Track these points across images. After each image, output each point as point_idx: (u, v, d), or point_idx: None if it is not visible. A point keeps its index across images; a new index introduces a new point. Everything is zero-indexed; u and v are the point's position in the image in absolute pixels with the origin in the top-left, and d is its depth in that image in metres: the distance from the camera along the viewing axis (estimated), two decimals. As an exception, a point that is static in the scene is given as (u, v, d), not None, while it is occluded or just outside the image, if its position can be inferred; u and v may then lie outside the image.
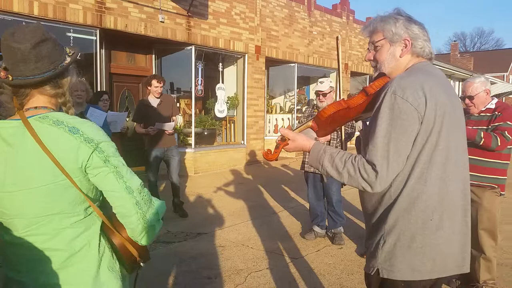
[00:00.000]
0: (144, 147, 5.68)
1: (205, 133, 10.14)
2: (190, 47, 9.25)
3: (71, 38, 7.37)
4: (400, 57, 1.65)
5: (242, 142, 10.87)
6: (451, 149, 1.49)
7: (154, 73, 8.92)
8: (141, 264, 1.43)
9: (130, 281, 1.52)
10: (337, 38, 3.88)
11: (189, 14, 8.89)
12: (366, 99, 1.69)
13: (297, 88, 12.85)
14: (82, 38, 7.48)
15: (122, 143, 5.36)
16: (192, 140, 9.58)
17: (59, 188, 1.26)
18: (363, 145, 1.60)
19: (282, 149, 1.77)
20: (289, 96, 13.21)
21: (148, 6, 8.19)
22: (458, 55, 32.64)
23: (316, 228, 4.90)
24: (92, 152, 1.27)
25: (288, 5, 11.88)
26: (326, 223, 4.91)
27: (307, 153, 1.73)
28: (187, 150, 9.37)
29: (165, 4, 8.45)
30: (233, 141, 11.04)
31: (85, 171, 1.28)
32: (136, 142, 7.28)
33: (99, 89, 7.50)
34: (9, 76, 1.28)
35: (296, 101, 12.87)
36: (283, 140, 1.75)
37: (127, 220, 1.33)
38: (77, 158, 1.25)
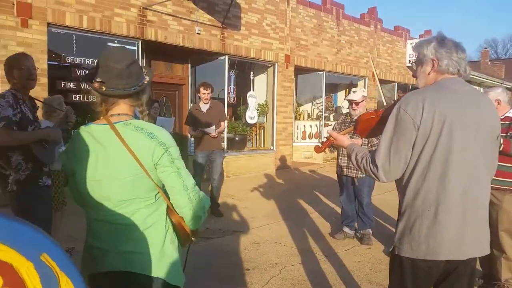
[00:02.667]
0: (185, 152, 6.15)
1: (237, 139, 10.56)
2: (224, 56, 9.72)
3: (115, 49, 7.93)
4: (428, 74, 2.00)
5: (272, 148, 11.23)
6: (454, 151, 1.81)
7: (190, 81, 9.44)
8: (193, 239, 1.81)
9: (183, 254, 1.87)
10: (371, 58, 4.23)
11: (223, 26, 9.37)
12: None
13: (325, 96, 13.14)
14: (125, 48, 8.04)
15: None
16: (224, 145, 10.01)
17: (139, 179, 1.62)
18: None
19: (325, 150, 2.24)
20: (317, 103, 13.51)
21: (185, 19, 8.71)
22: (489, 63, 32.09)
23: (346, 229, 5.19)
24: (163, 154, 1.63)
25: (317, 15, 12.22)
26: (356, 225, 5.20)
27: (341, 157, 2.16)
28: (219, 154, 9.80)
29: (201, 16, 8.95)
30: (263, 146, 11.42)
31: (156, 167, 1.64)
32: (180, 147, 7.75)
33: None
34: (103, 87, 1.66)
35: (324, 108, 13.15)
36: (328, 138, 2.30)
37: (180, 210, 1.70)
38: (152, 157, 1.62)
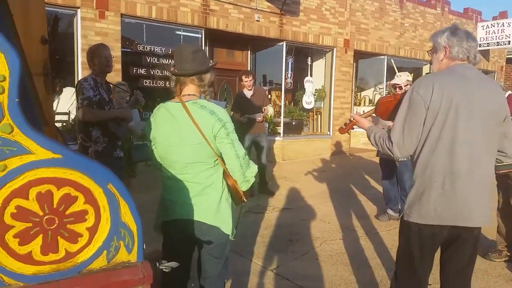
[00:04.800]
0: (239, 134, 6.59)
1: (293, 123, 10.87)
2: (282, 43, 10.02)
3: (181, 37, 8.56)
4: (441, 60, 2.22)
5: (328, 133, 11.41)
6: (460, 129, 2.02)
7: (249, 67, 9.87)
8: (244, 199, 2.21)
9: (237, 213, 2.29)
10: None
11: (281, 12, 9.65)
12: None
13: (387, 81, 12.97)
14: (189, 36, 8.65)
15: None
16: (281, 129, 10.37)
17: (201, 146, 2.06)
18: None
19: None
20: (379, 88, 13.37)
21: (245, 7, 9.11)
22: None
23: (390, 211, 5.37)
24: (221, 127, 2.04)
25: (379, -1, 12.06)
26: (399, 207, 5.36)
27: None
28: (276, 138, 10.18)
29: (260, 4, 9.30)
30: (319, 131, 11.63)
31: (215, 138, 2.06)
32: (239, 130, 8.26)
33: (202, 81, 8.63)
34: (175, 70, 2.13)
35: (386, 93, 12.99)
36: (351, 120, 2.62)
37: (233, 174, 2.13)
38: (212, 129, 2.04)
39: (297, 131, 11.01)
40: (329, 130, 11.42)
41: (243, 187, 2.17)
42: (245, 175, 2.14)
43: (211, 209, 2.11)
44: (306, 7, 10.26)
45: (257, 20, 9.25)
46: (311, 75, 11.19)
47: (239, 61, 10.12)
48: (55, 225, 1.27)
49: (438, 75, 2.15)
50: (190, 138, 2.05)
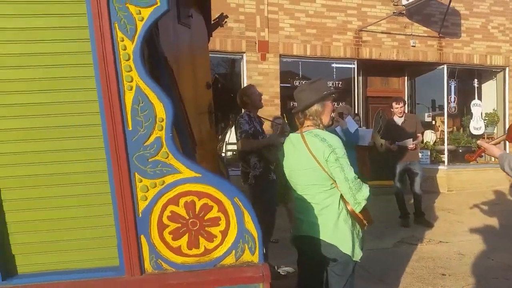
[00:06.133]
0: (393, 163, 6.47)
1: (460, 151, 10.01)
2: (442, 66, 9.50)
3: (334, 69, 8.96)
4: None
5: (504, 161, 10.10)
6: None
7: (406, 93, 9.63)
8: (365, 223, 2.35)
9: (358, 235, 2.43)
10: None
11: (440, 35, 9.21)
12: None
13: None
14: (342, 67, 8.99)
15: (370, 156, 6.31)
16: (445, 157, 9.68)
17: (315, 170, 2.31)
18: None
19: None
20: None
21: (400, 34, 9.02)
22: None
23: None
24: (330, 153, 2.26)
25: None
26: None
27: None
28: (440, 167, 9.53)
29: (416, 29, 9.08)
30: (492, 160, 10.39)
31: (327, 162, 2.28)
32: (387, 158, 8.11)
33: (356, 111, 8.79)
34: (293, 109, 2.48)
35: None
36: (479, 148, 2.45)
37: (344, 196, 2.31)
38: (323, 154, 2.28)
39: (465, 159, 10.06)
40: (504, 158, 10.11)
41: (356, 209, 2.30)
42: (356, 197, 2.26)
43: (329, 228, 2.32)
44: (468, 27, 9.56)
45: (412, 46, 9.04)
46: (479, 98, 10.21)
47: (395, 88, 9.95)
48: (197, 227, 1.69)
49: None
50: (306, 163, 2.33)
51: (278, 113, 7.82)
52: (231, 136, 8.76)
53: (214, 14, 3.61)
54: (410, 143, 6.12)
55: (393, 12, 8.83)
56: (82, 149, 1.60)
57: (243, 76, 8.39)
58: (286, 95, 8.70)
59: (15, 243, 1.67)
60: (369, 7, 8.87)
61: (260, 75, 8.33)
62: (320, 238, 2.33)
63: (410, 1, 8.34)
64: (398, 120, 6.32)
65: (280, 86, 8.47)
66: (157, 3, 1.46)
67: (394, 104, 6.28)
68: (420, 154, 7.00)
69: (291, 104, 8.74)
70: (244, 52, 8.26)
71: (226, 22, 3.76)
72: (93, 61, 1.50)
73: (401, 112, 6.27)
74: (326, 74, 8.91)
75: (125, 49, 1.48)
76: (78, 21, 1.49)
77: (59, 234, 1.66)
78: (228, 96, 7.88)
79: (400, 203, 6.36)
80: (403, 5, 8.64)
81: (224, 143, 8.66)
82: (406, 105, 8.82)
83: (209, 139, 3.46)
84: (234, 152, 8.87)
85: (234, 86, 8.59)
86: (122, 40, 1.47)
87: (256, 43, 8.27)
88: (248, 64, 8.30)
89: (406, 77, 9.91)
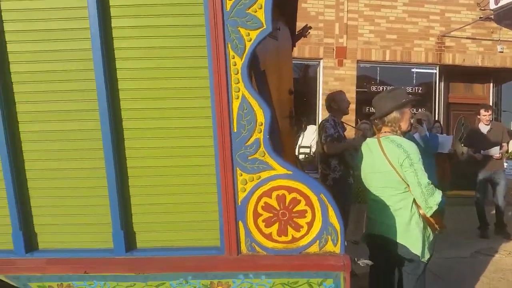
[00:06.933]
0: (475, 172, 6.25)
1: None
2: (533, 72, 8.92)
3: (414, 74, 8.81)
4: None
5: None
6: None
7: (491, 100, 9.18)
8: (437, 228, 2.47)
9: (428, 238, 2.53)
10: None
11: (533, 39, 8.66)
12: None
13: None
14: (423, 72, 8.82)
15: (451, 164, 6.16)
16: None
17: (389, 173, 2.45)
18: None
19: None
20: None
21: (486, 39, 8.63)
22: None
23: None
24: (405, 158, 2.39)
25: None
26: None
27: None
28: (526, 178, 8.94)
29: (504, 34, 8.62)
30: None
31: (401, 167, 2.42)
32: (467, 166, 7.81)
33: (437, 117, 8.58)
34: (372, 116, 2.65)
35: None
36: None
37: (416, 200, 2.43)
38: (398, 159, 2.41)
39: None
40: None
41: (427, 213, 2.40)
42: (427, 202, 2.37)
43: (400, 229, 2.45)
44: None
45: (500, 52, 8.59)
46: None
47: (479, 94, 9.50)
48: (286, 217, 1.95)
49: None
50: (380, 166, 2.48)
51: (353, 118, 7.90)
52: (303, 139, 8.95)
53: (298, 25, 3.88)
54: (496, 152, 5.88)
55: (480, 17, 8.48)
56: (196, 146, 1.93)
57: (319, 82, 8.57)
58: (363, 100, 8.73)
59: (138, 222, 2.05)
60: (453, 13, 8.60)
61: (336, 81, 8.45)
62: (392, 238, 2.48)
63: (499, 5, 7.96)
64: (484, 128, 6.10)
65: (356, 91, 8.52)
66: (263, 26, 1.75)
67: (482, 111, 6.06)
68: (505, 164, 6.68)
69: (367, 109, 8.75)
70: (321, 58, 8.43)
71: (309, 33, 3.99)
72: (208, 74, 1.83)
73: (488, 120, 6.05)
74: (406, 79, 8.79)
75: (235, 65, 1.78)
76: (198, 41, 1.83)
77: (173, 216, 2.01)
78: (301, 101, 8.10)
79: (480, 213, 6.13)
80: (491, 10, 8.27)
81: (297, 147, 8.89)
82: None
83: (289, 142, 3.73)
84: (307, 155, 9.05)
85: (309, 91, 8.79)
86: (233, 58, 1.78)
87: (334, 49, 8.41)
88: (325, 69, 8.46)
89: (491, 84, 9.41)
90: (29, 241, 2.02)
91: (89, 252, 2.01)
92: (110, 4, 1.85)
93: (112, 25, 1.86)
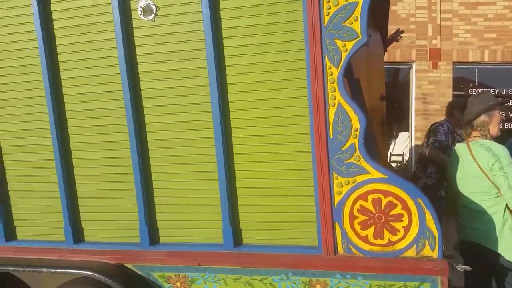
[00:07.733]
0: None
1: None
2: None
3: (517, 75, 8.12)
4: None
5: None
6: None
7: None
8: None
9: None
10: None
11: None
12: None
13: None
14: (529, 74, 8.08)
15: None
16: None
17: (480, 178, 2.40)
18: None
19: None
20: None
21: None
22: None
23: None
24: (495, 161, 2.33)
25: None
26: None
27: None
28: None
29: None
30: None
31: (491, 171, 2.34)
32: None
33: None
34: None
35: None
36: None
37: (507, 203, 2.34)
38: (488, 163, 2.35)
39: None
40: None
41: None
42: None
43: (493, 236, 2.36)
44: None
45: None
46: None
47: None
48: (382, 220, 2.00)
49: None
50: (470, 171, 2.44)
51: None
52: (395, 147, 8.66)
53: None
54: None
55: None
56: (295, 151, 2.08)
57: (411, 86, 8.27)
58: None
59: (244, 220, 2.25)
60: None
61: (430, 84, 8.09)
62: (485, 245, 2.40)
63: None
64: None
65: (453, 94, 8.07)
66: (358, 36, 1.84)
67: None
68: None
69: (465, 113, 8.24)
70: (414, 61, 8.14)
71: (401, 37, 3.95)
72: (306, 84, 1.97)
73: None
74: (508, 80, 8.13)
75: (331, 74, 1.90)
76: (297, 55, 1.98)
77: (275, 216, 2.17)
78: (392, 106, 7.86)
79: None
80: None
81: (388, 154, 8.63)
82: None
83: (382, 148, 3.72)
84: (399, 164, 8.73)
85: (400, 96, 8.52)
86: (330, 68, 1.89)
87: (427, 52, 8.07)
88: (418, 73, 8.15)
89: None
90: (153, 235, 2.32)
91: (202, 246, 2.25)
92: (222, 27, 2.09)
93: (225, 54, 2.11)
